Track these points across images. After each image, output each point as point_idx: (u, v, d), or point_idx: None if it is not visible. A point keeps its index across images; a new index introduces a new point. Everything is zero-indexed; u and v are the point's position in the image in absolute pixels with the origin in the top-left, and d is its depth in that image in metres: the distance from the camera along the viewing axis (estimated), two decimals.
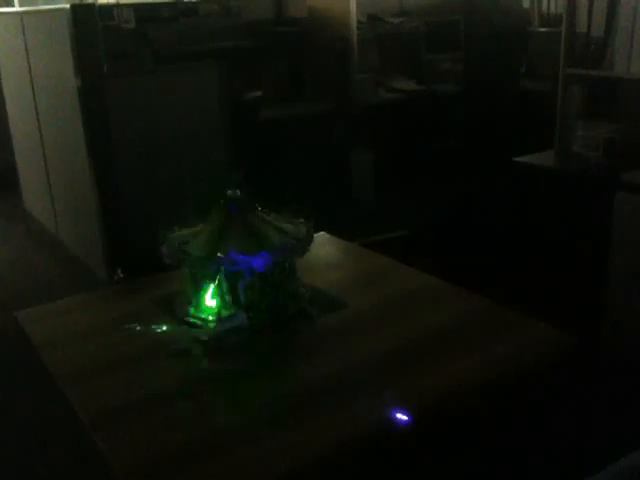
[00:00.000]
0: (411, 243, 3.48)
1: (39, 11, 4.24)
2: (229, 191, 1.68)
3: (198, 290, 1.65)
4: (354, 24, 4.43)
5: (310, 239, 1.71)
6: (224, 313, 1.62)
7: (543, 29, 4.75)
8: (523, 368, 1.49)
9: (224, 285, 1.61)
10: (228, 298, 1.62)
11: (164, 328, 1.69)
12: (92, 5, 4.26)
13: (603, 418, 2.24)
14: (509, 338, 1.57)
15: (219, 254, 1.58)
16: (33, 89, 4.12)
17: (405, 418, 1.30)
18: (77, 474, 2.22)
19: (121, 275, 3.31)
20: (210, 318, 1.63)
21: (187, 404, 1.39)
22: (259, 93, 4.33)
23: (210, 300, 1.63)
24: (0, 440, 2.47)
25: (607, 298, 2.69)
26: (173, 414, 1.36)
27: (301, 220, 1.75)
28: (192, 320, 1.65)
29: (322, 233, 2.19)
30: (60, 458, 2.34)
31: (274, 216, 1.74)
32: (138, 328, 1.71)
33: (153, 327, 1.71)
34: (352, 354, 1.54)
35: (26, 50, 4.04)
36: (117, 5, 4.55)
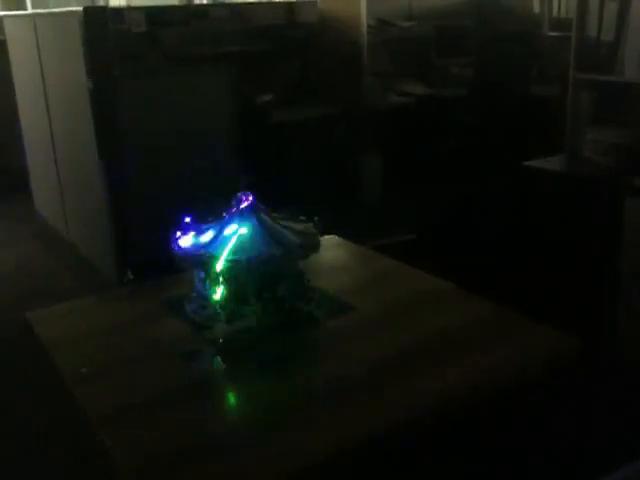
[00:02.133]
0: (421, 246, 3.48)
1: (52, 14, 4.27)
2: (239, 192, 1.69)
3: (208, 291, 1.66)
4: (364, 28, 4.44)
5: (318, 242, 1.71)
6: (233, 314, 1.63)
7: (553, 33, 4.74)
8: (527, 371, 1.50)
9: (233, 286, 1.62)
10: (237, 299, 1.62)
11: (173, 329, 1.70)
12: (104, 8, 4.29)
13: (603, 418, 2.25)
14: (514, 341, 1.58)
15: (228, 255, 1.59)
16: (45, 91, 4.14)
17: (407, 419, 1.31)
18: (77, 474, 2.23)
19: (131, 276, 3.32)
20: (219, 319, 1.64)
21: (194, 405, 1.40)
22: (269, 96, 4.34)
23: (219, 301, 1.64)
24: (0, 440, 2.48)
25: (610, 299, 2.69)
26: (179, 414, 1.36)
27: (310, 222, 1.76)
28: (201, 321, 1.66)
29: (332, 236, 2.20)
30: (60, 458, 2.34)
31: (282, 218, 1.74)
32: (148, 329, 1.72)
33: (163, 328, 1.72)
34: (358, 357, 1.55)
35: (38, 53, 4.07)
36: (128, 8, 4.57)
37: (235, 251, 1.60)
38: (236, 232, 1.63)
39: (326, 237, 1.88)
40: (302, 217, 1.78)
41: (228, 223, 1.66)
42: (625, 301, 2.66)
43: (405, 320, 1.70)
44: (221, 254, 1.60)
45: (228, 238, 1.63)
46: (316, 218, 1.76)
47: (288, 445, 1.26)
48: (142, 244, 3.34)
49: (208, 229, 1.71)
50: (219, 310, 1.62)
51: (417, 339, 1.61)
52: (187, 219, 1.73)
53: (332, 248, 2.16)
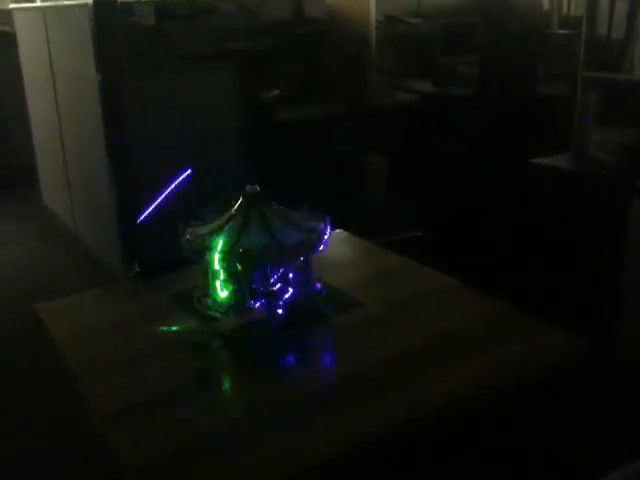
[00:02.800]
0: (426, 244, 3.48)
1: (61, 7, 4.27)
2: (247, 187, 1.69)
3: (216, 285, 1.66)
4: (373, 24, 4.42)
5: (326, 236, 1.71)
6: (241, 308, 1.64)
7: (562, 31, 4.72)
8: (530, 371, 1.50)
9: (242, 280, 1.62)
10: (246, 293, 1.63)
11: (182, 323, 1.70)
12: (114, 1, 4.27)
13: (603, 418, 2.25)
14: (522, 341, 1.58)
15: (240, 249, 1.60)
16: (54, 85, 4.15)
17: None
18: (77, 474, 2.24)
19: (137, 270, 3.33)
20: (227, 313, 1.64)
21: (195, 404, 1.40)
22: (276, 93, 4.34)
23: (228, 295, 1.65)
24: (0, 440, 2.49)
25: (610, 299, 2.69)
26: (180, 413, 1.36)
27: (317, 217, 1.76)
28: (210, 315, 1.67)
29: (339, 231, 2.20)
30: (60, 458, 2.35)
31: (290, 213, 1.75)
32: (156, 323, 1.73)
33: (171, 322, 1.73)
34: (364, 355, 1.55)
35: (48, 46, 4.08)
36: (138, 1, 4.55)
37: (244, 242, 1.61)
38: (244, 223, 1.64)
39: (334, 232, 1.87)
40: (301, 209, 1.78)
41: (237, 215, 1.67)
42: (626, 301, 2.65)
43: (415, 319, 1.70)
44: (228, 246, 1.60)
45: (236, 229, 1.63)
46: (320, 209, 1.76)
47: (288, 445, 1.26)
48: (149, 239, 3.34)
49: (215, 221, 1.71)
50: (232, 302, 1.63)
51: (424, 338, 1.61)
52: (193, 211, 1.74)
53: (339, 243, 2.17)
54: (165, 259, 1.82)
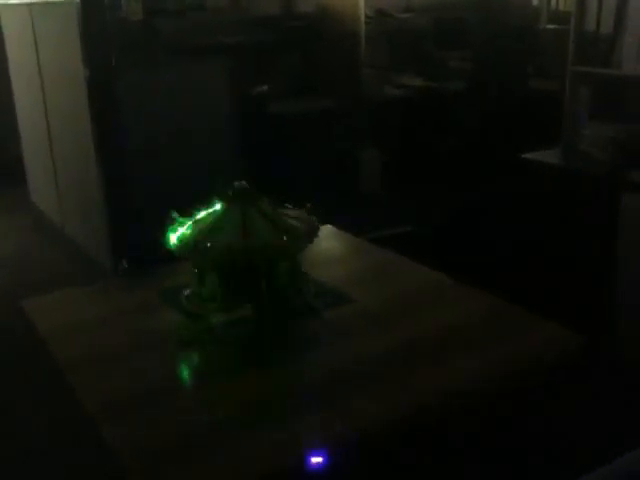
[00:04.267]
0: (417, 241, 3.47)
1: (48, 2, 4.24)
2: (235, 182, 1.68)
3: (204, 281, 1.65)
4: (362, 19, 4.41)
5: (315, 231, 1.70)
6: (229, 305, 1.62)
7: (551, 26, 4.73)
8: (534, 368, 1.48)
9: (230, 277, 1.61)
10: (234, 290, 1.62)
11: (170, 319, 1.69)
12: None
13: (603, 418, 2.24)
14: (518, 337, 1.57)
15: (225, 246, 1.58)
16: (41, 80, 4.12)
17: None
18: (77, 474, 2.22)
19: (125, 266, 3.32)
20: (215, 310, 1.63)
21: (189, 397, 1.40)
22: (266, 87, 4.33)
23: (216, 291, 1.63)
24: (0, 440, 2.47)
25: (609, 298, 2.68)
26: (175, 407, 1.36)
27: (306, 212, 1.75)
28: (198, 312, 1.65)
29: (327, 226, 2.18)
30: (60, 458, 2.34)
31: (279, 208, 1.73)
32: (144, 319, 1.72)
33: (159, 318, 1.71)
34: (356, 350, 1.54)
35: (35, 42, 4.05)
36: None
37: (231, 239, 1.59)
38: (231, 219, 1.62)
39: (322, 227, 1.86)
40: (290, 205, 1.76)
41: (224, 211, 1.65)
42: (626, 301, 2.65)
43: (407, 315, 1.69)
44: (215, 242, 1.59)
45: (223, 226, 1.62)
46: (308, 205, 1.75)
47: (287, 442, 1.25)
48: (137, 234, 3.33)
49: (202, 217, 1.69)
50: (216, 300, 1.62)
51: (421, 335, 1.59)
52: (183, 207, 1.73)
53: (328, 238, 2.15)
54: (153, 255, 1.81)
